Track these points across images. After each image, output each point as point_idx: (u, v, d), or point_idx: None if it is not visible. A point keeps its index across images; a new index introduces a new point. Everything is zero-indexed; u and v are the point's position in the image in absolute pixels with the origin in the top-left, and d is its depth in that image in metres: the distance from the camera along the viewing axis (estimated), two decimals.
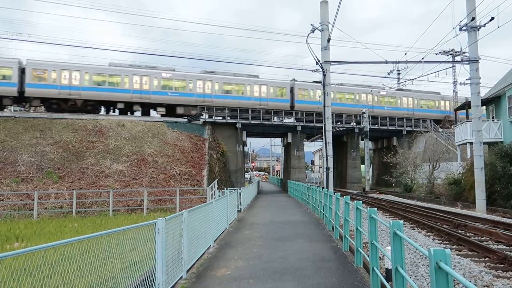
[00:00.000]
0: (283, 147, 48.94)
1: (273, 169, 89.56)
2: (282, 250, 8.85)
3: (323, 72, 18.62)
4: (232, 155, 35.56)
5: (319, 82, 36.97)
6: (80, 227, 16.62)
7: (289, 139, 38.87)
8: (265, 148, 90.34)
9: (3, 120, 28.33)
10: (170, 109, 34.39)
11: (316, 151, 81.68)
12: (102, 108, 34.32)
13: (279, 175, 72.68)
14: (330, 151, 18.97)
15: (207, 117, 34.58)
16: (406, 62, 21.20)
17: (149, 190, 24.02)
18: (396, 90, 39.62)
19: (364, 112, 37.80)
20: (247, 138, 41.93)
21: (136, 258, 4.95)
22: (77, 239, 3.72)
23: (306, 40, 18.20)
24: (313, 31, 18.63)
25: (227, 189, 23.17)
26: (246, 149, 50.35)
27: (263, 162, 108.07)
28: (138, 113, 34.51)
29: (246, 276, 6.64)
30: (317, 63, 18.61)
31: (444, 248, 3.21)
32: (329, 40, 18.50)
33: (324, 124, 19.07)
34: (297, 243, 9.84)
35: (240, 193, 19.59)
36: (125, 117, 32.42)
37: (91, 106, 32.72)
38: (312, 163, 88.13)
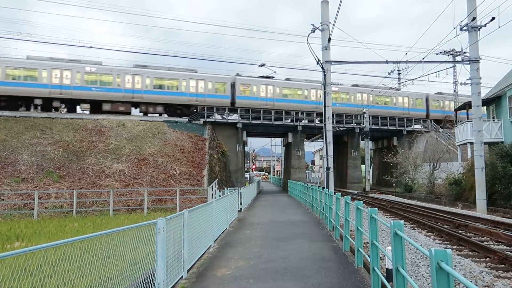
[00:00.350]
0: (284, 147, 48.92)
1: (274, 169, 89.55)
2: (283, 250, 8.85)
3: (324, 72, 18.61)
4: (232, 155, 35.55)
5: (267, 77, 36.36)
6: (80, 227, 16.63)
7: (290, 139, 38.87)
8: (266, 148, 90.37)
9: (3, 119, 28.35)
10: (96, 105, 32.72)
11: (317, 151, 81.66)
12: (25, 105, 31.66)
13: (280, 175, 72.68)
14: (331, 151, 18.98)
15: (139, 113, 33.99)
16: (406, 62, 21.17)
17: (150, 190, 24.03)
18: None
19: (364, 112, 37.80)
20: (248, 138, 41.96)
21: (136, 257, 4.94)
22: (77, 239, 3.71)
23: (307, 40, 18.23)
24: (313, 31, 18.63)
25: (227, 189, 23.16)
26: (246, 149, 50.36)
27: (263, 162, 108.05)
28: (139, 113, 34.39)
29: (246, 276, 6.64)
30: (317, 63, 18.61)
31: (445, 248, 3.21)
32: (329, 40, 18.50)
33: (325, 124, 19.07)
34: (297, 243, 9.84)
35: (240, 193, 19.59)
36: (125, 117, 32.41)
37: (4, 102, 30.29)
38: (313, 163, 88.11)
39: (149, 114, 33.97)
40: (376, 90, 38.67)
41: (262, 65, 30.87)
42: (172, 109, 34.58)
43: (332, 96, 37.63)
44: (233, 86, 35.69)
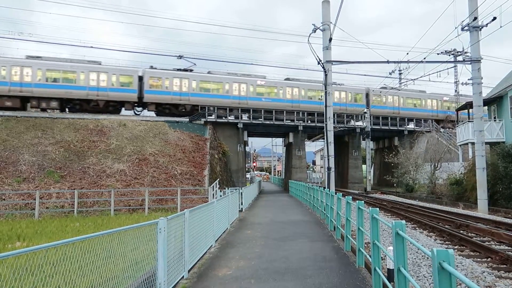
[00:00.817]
0: (285, 147, 48.93)
1: (274, 169, 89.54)
2: (284, 250, 8.84)
3: (325, 72, 18.60)
4: (233, 154, 35.54)
5: (185, 70, 34.29)
6: (81, 227, 16.63)
7: (291, 139, 38.88)
8: (267, 148, 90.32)
9: (5, 119, 28.39)
10: None
11: (318, 151, 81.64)
12: None
13: (280, 175, 72.66)
14: (332, 151, 18.97)
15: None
16: (407, 62, 21.17)
17: (151, 190, 24.04)
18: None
19: (365, 112, 37.78)
20: (249, 137, 41.96)
21: (137, 257, 4.94)
22: (78, 239, 3.71)
23: (308, 40, 18.23)
24: (314, 30, 18.62)
25: (228, 189, 23.16)
26: (247, 149, 50.36)
27: (264, 162, 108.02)
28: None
29: (247, 276, 6.63)
30: (318, 63, 18.60)
31: (447, 248, 3.20)
32: (330, 40, 18.49)
33: (326, 124, 19.07)
34: (298, 243, 9.83)
35: (241, 193, 19.58)
36: (126, 117, 32.42)
37: None
38: (314, 163, 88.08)
39: (41, 110, 31.00)
40: (377, 90, 38.73)
41: (180, 57, 29.41)
42: (70, 104, 32.18)
43: (260, 91, 35.91)
44: (141, 79, 33.09)
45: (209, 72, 35.48)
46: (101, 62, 33.02)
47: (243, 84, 35.52)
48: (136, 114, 34.46)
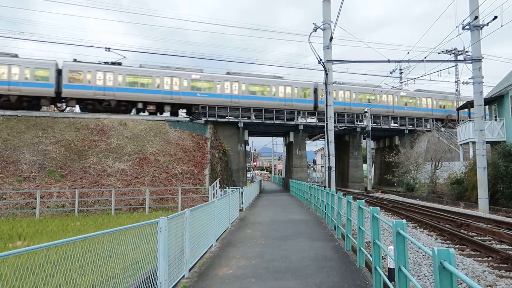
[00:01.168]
0: (285, 146, 48.92)
1: (275, 168, 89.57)
2: (284, 249, 8.84)
3: (325, 71, 18.59)
4: (234, 154, 35.54)
5: (112, 63, 32.38)
6: (82, 226, 16.64)
7: (291, 138, 38.87)
8: (267, 147, 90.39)
9: (5, 118, 28.41)
10: None
11: (318, 150, 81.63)
12: None
13: (281, 174, 72.67)
14: (332, 150, 18.96)
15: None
16: (408, 61, 21.15)
17: (151, 189, 24.06)
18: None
19: (366, 112, 37.76)
20: (249, 137, 41.95)
21: (138, 257, 4.94)
22: (79, 238, 3.71)
23: (309, 39, 18.21)
24: (315, 30, 18.60)
25: (229, 188, 23.17)
26: (248, 148, 50.34)
27: (264, 161, 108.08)
28: (141, 112, 34.21)
29: (248, 275, 6.63)
30: (319, 62, 18.58)
31: (447, 247, 3.20)
32: (331, 39, 18.47)
33: (326, 123, 19.05)
34: (299, 242, 9.83)
35: (242, 192, 19.60)
36: (127, 116, 32.41)
37: None
38: (314, 162, 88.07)
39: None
40: (377, 90, 38.65)
41: (108, 49, 28.37)
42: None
43: (194, 86, 33.77)
44: (59, 73, 31.19)
45: (140, 66, 33.79)
46: (17, 55, 31.23)
47: (176, 78, 33.49)
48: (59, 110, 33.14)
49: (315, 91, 38.01)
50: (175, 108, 34.76)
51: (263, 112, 35.93)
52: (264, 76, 37.42)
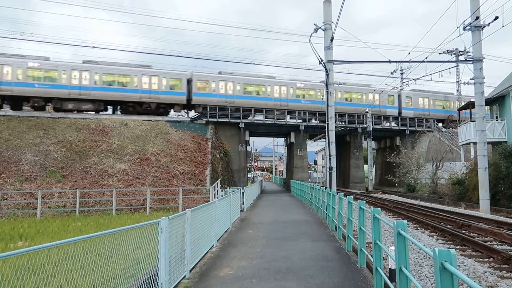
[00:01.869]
0: (286, 147, 48.94)
1: (276, 169, 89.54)
2: (285, 250, 8.84)
3: (326, 71, 18.59)
4: (235, 154, 35.53)
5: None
6: (83, 226, 16.67)
7: (292, 139, 38.85)
8: (268, 148, 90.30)
9: (7, 119, 28.45)
10: None
11: (319, 151, 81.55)
12: None
13: (282, 174, 72.65)
14: (333, 151, 18.97)
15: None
16: (409, 61, 21.14)
17: (152, 190, 24.07)
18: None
19: (367, 112, 37.72)
20: (250, 137, 41.94)
21: (139, 257, 4.95)
22: (80, 238, 3.72)
23: (309, 40, 18.24)
24: (316, 30, 18.62)
25: (230, 188, 23.17)
26: (249, 148, 50.33)
27: (265, 161, 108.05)
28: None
29: (249, 276, 6.63)
30: (320, 63, 18.60)
31: (448, 248, 3.19)
32: (332, 39, 18.47)
33: (327, 124, 19.06)
34: (300, 242, 9.83)
35: (243, 193, 19.61)
36: (128, 117, 32.42)
37: None
38: (315, 162, 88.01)
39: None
40: (378, 90, 38.57)
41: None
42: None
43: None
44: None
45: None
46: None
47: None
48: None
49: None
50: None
51: (264, 112, 35.97)
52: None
